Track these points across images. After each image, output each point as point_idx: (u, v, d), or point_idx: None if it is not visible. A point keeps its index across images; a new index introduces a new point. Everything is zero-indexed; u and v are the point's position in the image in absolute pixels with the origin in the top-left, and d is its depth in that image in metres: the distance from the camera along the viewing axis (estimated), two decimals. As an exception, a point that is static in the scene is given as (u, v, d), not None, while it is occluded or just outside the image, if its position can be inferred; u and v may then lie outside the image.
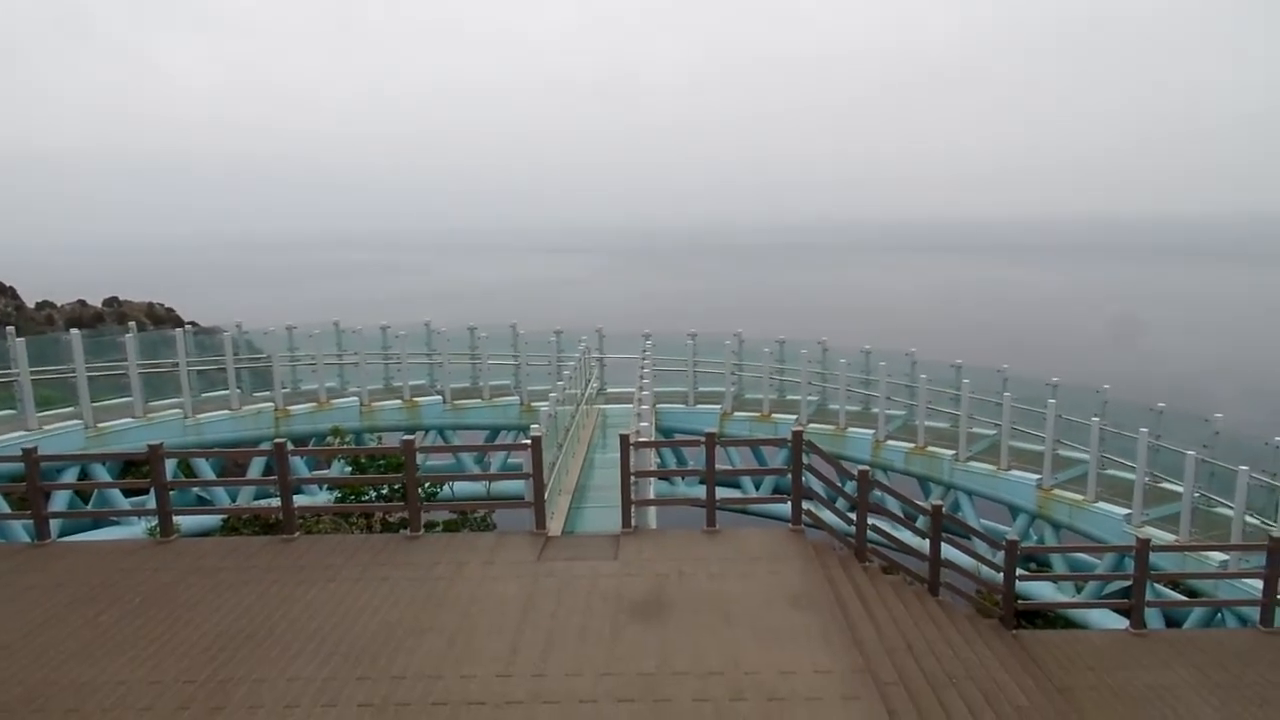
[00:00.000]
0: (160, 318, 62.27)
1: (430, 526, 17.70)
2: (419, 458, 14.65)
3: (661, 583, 11.60)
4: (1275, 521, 15.68)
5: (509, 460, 25.53)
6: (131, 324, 27.28)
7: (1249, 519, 16.33)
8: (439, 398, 26.22)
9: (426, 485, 19.81)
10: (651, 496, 16.32)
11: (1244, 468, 16.33)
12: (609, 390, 27.77)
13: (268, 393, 25.12)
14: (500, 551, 12.75)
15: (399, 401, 26.01)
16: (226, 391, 24.38)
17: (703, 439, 14.16)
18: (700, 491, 13.90)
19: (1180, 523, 17.48)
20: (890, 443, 23.67)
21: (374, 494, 18.37)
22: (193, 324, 44.46)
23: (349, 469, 20.74)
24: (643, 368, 23.45)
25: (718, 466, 14.14)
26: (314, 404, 25.30)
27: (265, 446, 18.76)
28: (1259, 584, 13.38)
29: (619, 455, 13.48)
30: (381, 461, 18.87)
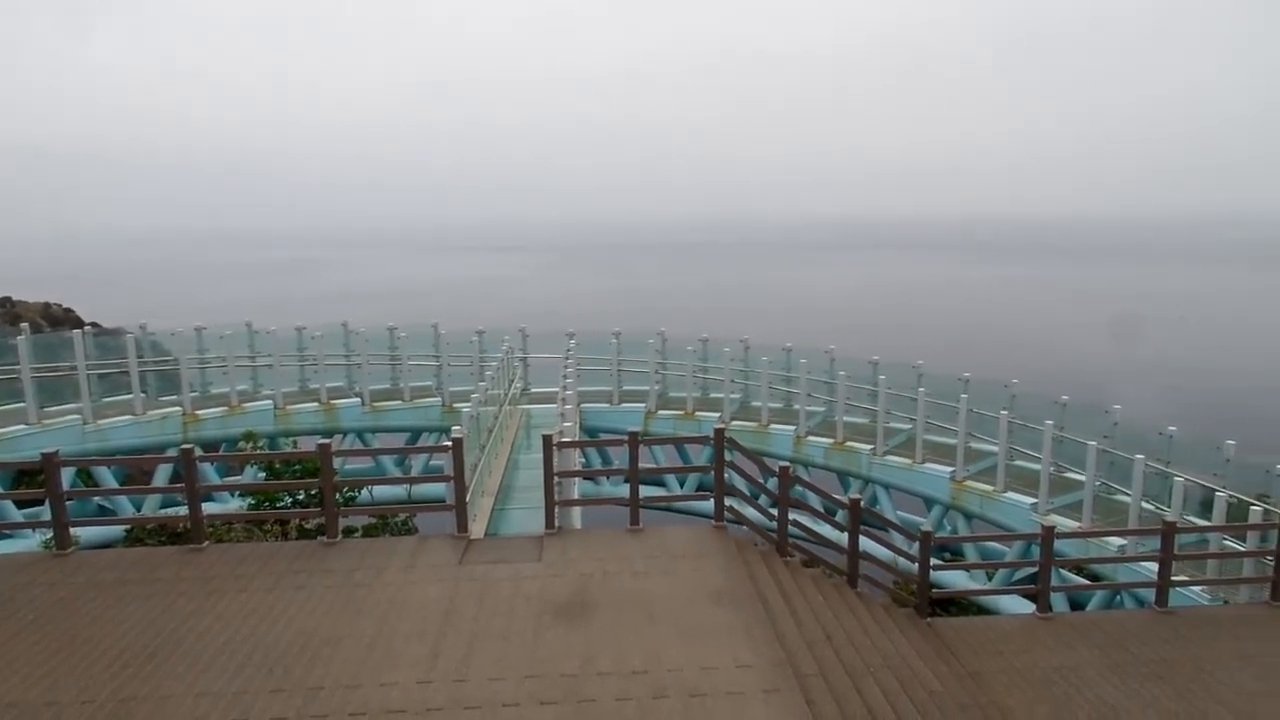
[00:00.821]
0: (57, 319, 59.23)
1: (349, 532, 17.32)
2: (337, 461, 14.28)
3: (585, 583, 11.57)
4: (1169, 507, 16.53)
5: (431, 463, 25.12)
6: (25, 325, 25.88)
7: (1145, 505, 17.19)
8: (358, 400, 25.61)
9: (345, 490, 19.37)
10: (576, 497, 16.25)
11: (1140, 456, 17.18)
12: (533, 390, 27.59)
13: (175, 396, 24.13)
14: (421, 555, 12.52)
15: (316, 404, 25.31)
16: (130, 396, 23.31)
17: (626, 438, 14.18)
18: (625, 490, 13.92)
19: (1083, 510, 18.30)
20: (811, 438, 24.15)
21: (289, 500, 17.85)
22: (94, 325, 42.45)
23: (263, 474, 20.09)
24: (566, 367, 23.36)
25: (643, 465, 14.17)
26: (225, 408, 24.39)
27: (172, 452, 18.03)
28: (1154, 567, 14.11)
29: (543, 456, 13.40)
30: (297, 466, 18.34)
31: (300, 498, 18.13)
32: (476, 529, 14.33)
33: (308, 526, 17.28)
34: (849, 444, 23.41)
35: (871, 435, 23.07)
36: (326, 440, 13.87)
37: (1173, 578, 13.94)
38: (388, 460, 25.35)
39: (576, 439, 18.88)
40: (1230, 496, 15.80)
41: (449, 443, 13.52)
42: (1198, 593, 15.55)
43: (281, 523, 17.23)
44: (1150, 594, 14.23)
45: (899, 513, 23.24)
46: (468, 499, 13.77)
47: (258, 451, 20.69)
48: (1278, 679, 11.44)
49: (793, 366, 25.53)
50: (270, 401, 24.84)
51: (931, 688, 10.40)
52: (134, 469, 25.31)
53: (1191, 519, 16.41)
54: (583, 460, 24.53)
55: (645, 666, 9.39)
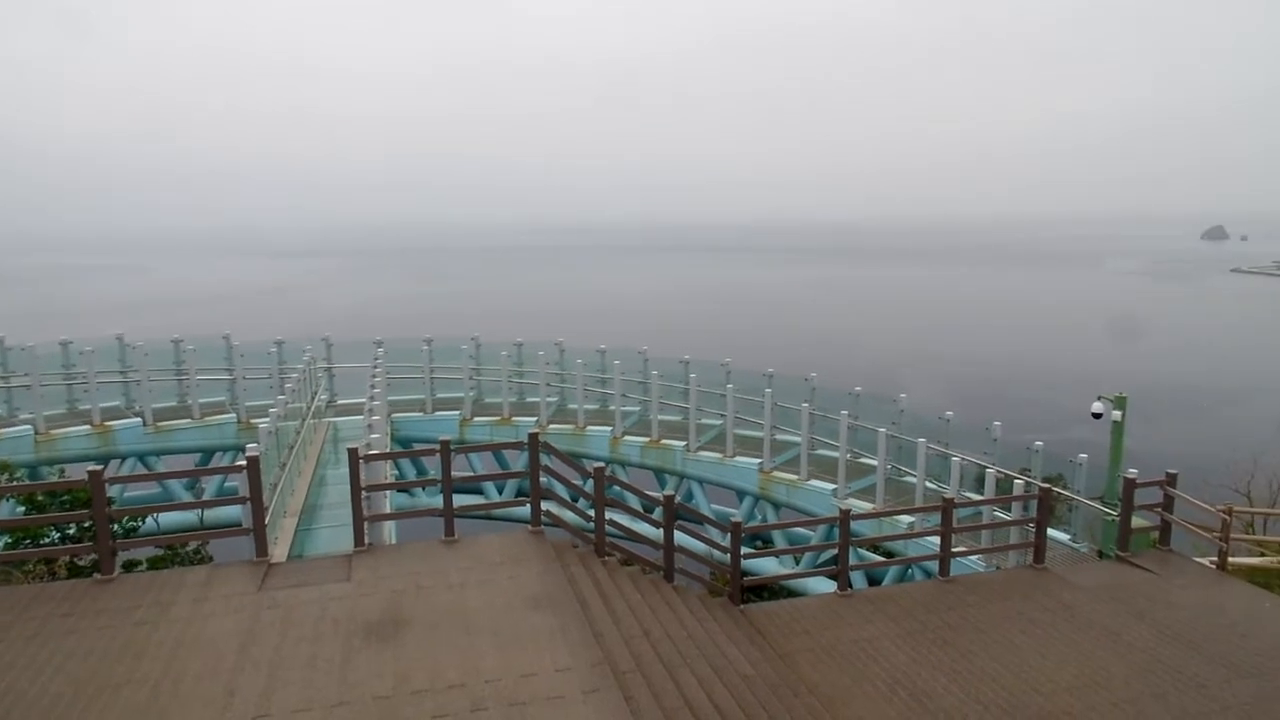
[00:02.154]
0: None
1: (131, 566, 15.78)
2: (115, 489, 12.93)
3: (398, 599, 11.12)
4: (948, 485, 18.13)
5: (226, 484, 23.34)
6: None
7: (928, 484, 18.78)
8: (138, 420, 23.32)
9: (124, 520, 17.61)
10: (387, 510, 15.68)
11: (922, 440, 18.75)
12: (339, 402, 26.28)
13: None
14: (214, 586, 11.56)
15: (87, 427, 22.80)
16: None
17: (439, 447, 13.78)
18: (441, 501, 13.51)
19: (876, 492, 19.72)
20: (627, 438, 24.55)
21: (57, 535, 15.99)
22: None
23: (21, 509, 17.87)
24: (374, 376, 22.42)
25: (459, 474, 13.84)
26: (-32, 437, 21.46)
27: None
28: (937, 540, 15.42)
29: (349, 470, 12.76)
30: (65, 496, 16.46)
31: (71, 532, 16.29)
32: (279, 552, 13.46)
33: (81, 564, 15.54)
34: (664, 442, 24.00)
35: (685, 432, 23.77)
36: (98, 466, 12.48)
37: (953, 549, 15.28)
38: (176, 484, 23.25)
39: (386, 450, 18.17)
40: (998, 472, 17.56)
41: (243, 462, 12.58)
42: (975, 561, 17.15)
43: (47, 561, 15.38)
44: (935, 565, 15.53)
45: (713, 505, 24.11)
46: (267, 521, 12.90)
47: (15, 484, 18.36)
48: (1040, 633, 12.80)
49: (608, 368, 25.85)
50: (29, 426, 22.10)
51: (744, 671, 10.82)
52: None
53: (968, 494, 18.09)
54: (395, 472, 23.73)
55: (462, 680, 9.15)
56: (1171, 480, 16.03)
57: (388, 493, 16.59)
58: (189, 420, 23.95)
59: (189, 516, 21.73)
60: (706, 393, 23.71)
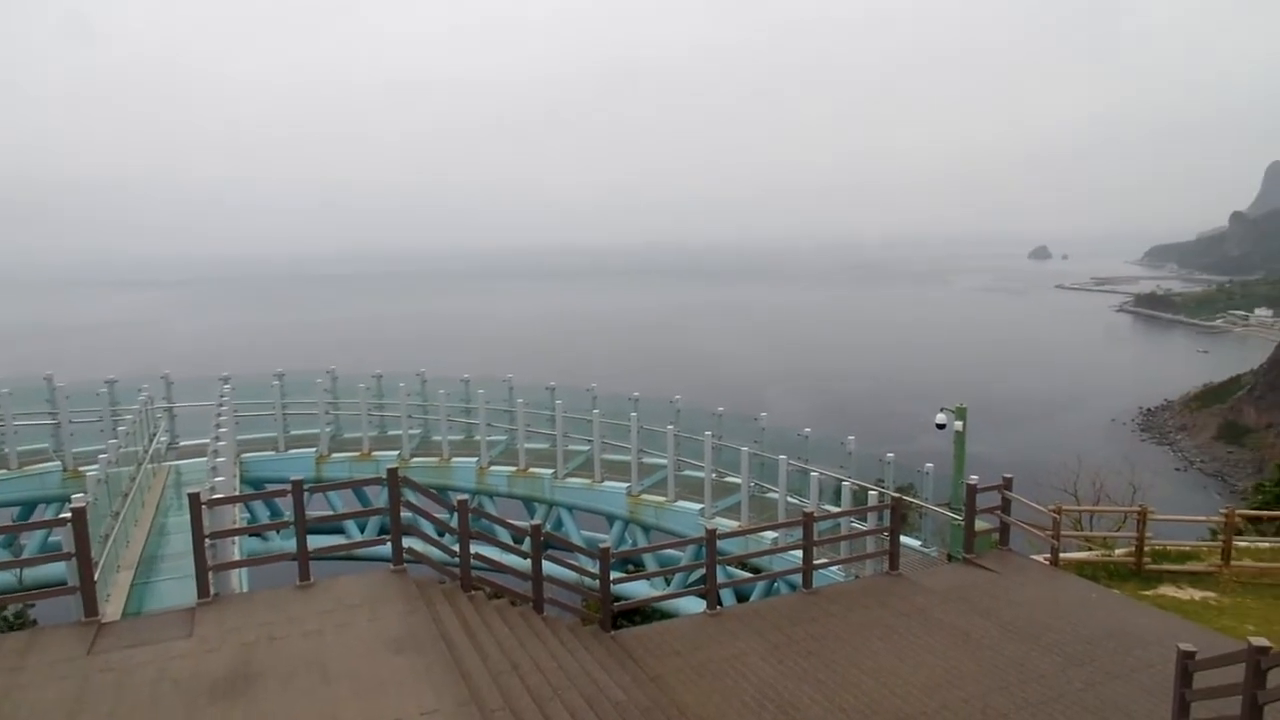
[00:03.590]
0: None
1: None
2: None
3: (248, 653, 10.44)
4: (808, 499, 18.76)
5: (50, 539, 21.31)
6: None
7: (790, 499, 19.37)
8: (-56, 473, 21.03)
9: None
10: (236, 557, 14.73)
11: (783, 457, 19.35)
12: (182, 444, 24.58)
13: None
14: (34, 653, 10.49)
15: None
16: None
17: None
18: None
19: (741, 510, 20.16)
20: (494, 468, 24.14)
21: None
22: None
23: None
24: (220, 415, 21.12)
25: (318, 513, 13.18)
26: None
27: None
28: (800, 554, 15.88)
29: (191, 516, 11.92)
30: None
31: None
32: (111, 610, 12.40)
33: None
34: (531, 470, 23.74)
35: (553, 460, 23.59)
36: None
37: (815, 562, 15.77)
38: (-9, 543, 21.08)
39: (233, 493, 17.12)
40: (854, 485, 18.32)
41: (68, 514, 11.53)
42: (835, 572, 17.79)
43: None
44: (800, 578, 15.98)
45: (583, 532, 23.98)
46: (97, 576, 11.84)
47: None
48: (897, 638, 13.37)
49: (472, 397, 25.37)
50: None
51: (616, 698, 10.75)
52: None
53: (827, 507, 18.77)
54: (246, 516, 22.36)
55: (320, 734, 8.67)
56: (1008, 484, 17.17)
57: (237, 539, 15.61)
58: (4, 471, 21.77)
59: (6, 577, 19.72)
60: (573, 418, 23.65)
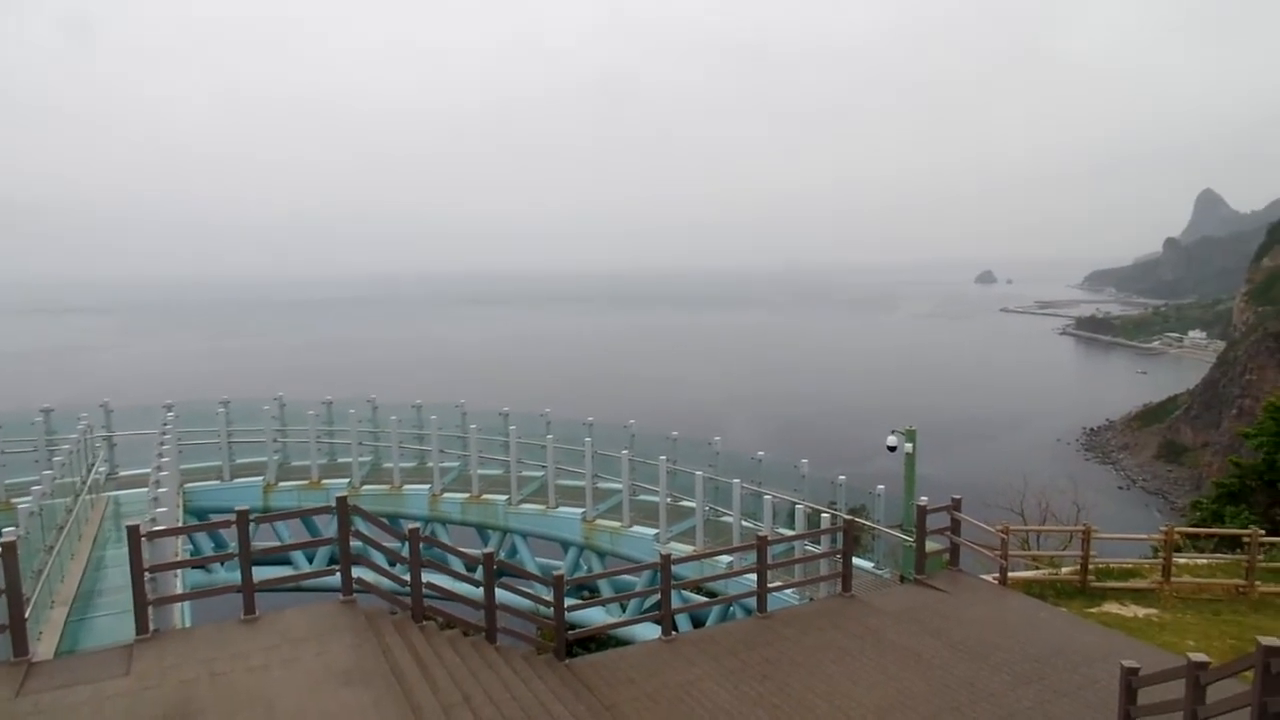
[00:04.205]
0: None
1: None
2: None
3: (188, 691, 10.10)
4: (763, 523, 18.83)
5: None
6: None
7: (744, 523, 19.43)
8: None
9: None
10: (179, 591, 14.28)
11: (737, 480, 19.43)
12: (122, 474, 23.82)
13: None
14: (-42, 696, 10.03)
15: None
16: None
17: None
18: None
19: (696, 534, 20.16)
20: (447, 495, 23.82)
21: None
22: None
23: None
24: (162, 444, 20.54)
25: (265, 544, 12.85)
26: None
27: None
28: (754, 578, 15.91)
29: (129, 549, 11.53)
30: None
31: None
32: (44, 648, 11.90)
33: None
34: (485, 497, 23.48)
35: (506, 486, 23.36)
36: None
37: (769, 585, 15.82)
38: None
39: (176, 524, 16.63)
40: (807, 507, 18.45)
41: (-2, 549, 11.08)
42: (790, 595, 17.85)
43: None
44: (754, 602, 16.01)
45: (538, 559, 23.75)
46: (29, 613, 11.38)
47: None
48: (850, 660, 13.44)
49: (424, 423, 25.05)
50: None
51: (570, 729, 10.62)
52: None
53: (781, 530, 18.86)
54: (189, 548, 21.69)
55: (263, 773, 8.40)
56: (957, 505, 17.45)
57: (180, 571, 15.14)
58: (-70, 505, 20.87)
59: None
60: (527, 444, 23.48)
